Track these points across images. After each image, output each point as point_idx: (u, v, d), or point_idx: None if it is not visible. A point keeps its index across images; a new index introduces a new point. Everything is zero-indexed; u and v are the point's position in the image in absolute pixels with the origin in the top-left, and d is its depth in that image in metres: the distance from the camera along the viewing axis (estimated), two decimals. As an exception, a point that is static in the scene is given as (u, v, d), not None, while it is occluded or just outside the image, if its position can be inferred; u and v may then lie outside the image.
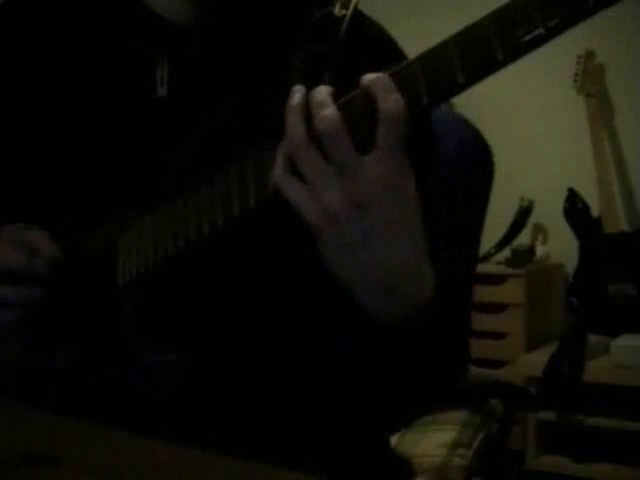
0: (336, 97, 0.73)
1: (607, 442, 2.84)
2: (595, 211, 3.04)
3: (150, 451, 0.71)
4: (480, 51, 0.69)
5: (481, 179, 1.11)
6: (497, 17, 0.68)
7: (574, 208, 3.03)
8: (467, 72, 0.69)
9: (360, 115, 0.72)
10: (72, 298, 0.92)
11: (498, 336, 3.09)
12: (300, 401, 0.92)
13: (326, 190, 0.72)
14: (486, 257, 3.21)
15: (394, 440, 1.31)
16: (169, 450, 0.71)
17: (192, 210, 0.84)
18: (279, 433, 0.90)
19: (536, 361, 2.88)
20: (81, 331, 0.92)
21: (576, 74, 3.17)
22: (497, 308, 3.08)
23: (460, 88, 0.70)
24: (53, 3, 1.00)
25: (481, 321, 2.98)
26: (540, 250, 3.26)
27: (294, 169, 0.73)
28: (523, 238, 3.30)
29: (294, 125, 0.73)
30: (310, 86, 0.75)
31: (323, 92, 0.73)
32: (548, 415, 2.87)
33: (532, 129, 3.33)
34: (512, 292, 3.08)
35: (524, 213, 3.26)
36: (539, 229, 3.37)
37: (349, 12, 0.90)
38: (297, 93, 0.74)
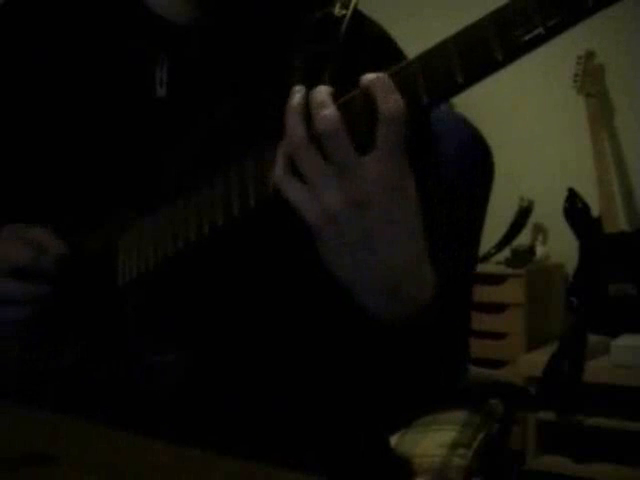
0: (336, 97, 0.73)
1: (607, 442, 2.84)
2: (595, 211, 3.04)
3: (150, 451, 0.71)
4: (479, 51, 0.69)
5: (481, 179, 1.11)
6: (496, 17, 0.68)
7: (574, 208, 3.03)
8: (466, 72, 0.69)
9: (360, 115, 0.72)
10: (76, 296, 0.92)
11: (498, 336, 3.09)
12: (300, 401, 0.92)
13: (326, 190, 0.72)
14: (486, 257, 3.21)
15: (394, 440, 1.31)
16: (169, 450, 0.71)
17: (192, 210, 0.84)
18: (279, 433, 0.90)
19: (536, 361, 2.88)
20: (81, 332, 0.92)
21: (576, 74, 3.17)
22: (497, 308, 3.08)
23: (460, 88, 0.70)
24: (53, 3, 1.00)
25: (481, 321, 2.98)
26: (540, 250, 3.26)
27: (294, 169, 0.73)
28: (523, 238, 3.30)
29: (294, 125, 0.73)
30: (310, 86, 0.75)
31: (323, 92, 0.73)
32: (548, 415, 2.87)
33: (532, 129, 3.33)
34: (512, 292, 3.08)
35: (524, 213, 3.26)
36: (539, 229, 3.37)
37: (349, 12, 0.91)
38: (297, 93, 0.74)
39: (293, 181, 0.74)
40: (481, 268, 3.02)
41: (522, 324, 3.08)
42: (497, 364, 3.02)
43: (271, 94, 0.83)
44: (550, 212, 3.21)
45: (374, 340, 0.81)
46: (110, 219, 0.91)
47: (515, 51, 0.68)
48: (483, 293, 2.98)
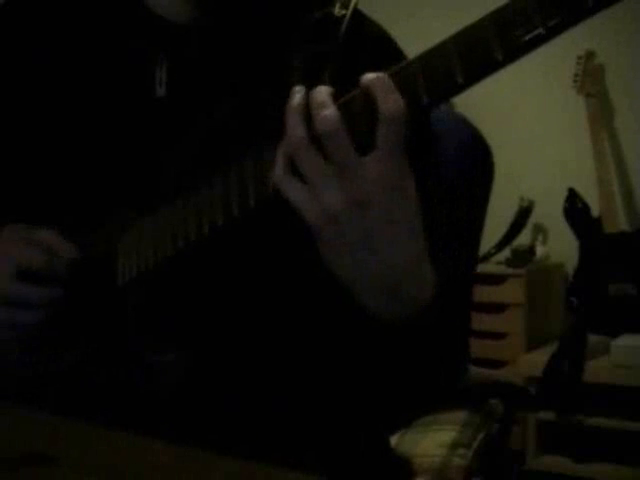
0: (336, 97, 0.73)
1: (607, 442, 2.84)
2: (595, 211, 3.04)
3: (150, 451, 0.71)
4: (479, 51, 0.69)
5: (481, 179, 1.11)
6: (496, 17, 0.68)
7: (574, 208, 3.03)
8: (466, 72, 0.69)
9: (360, 115, 0.72)
10: (82, 298, 0.92)
11: (498, 336, 3.09)
12: (300, 401, 0.92)
13: (326, 190, 0.72)
14: (486, 257, 3.21)
15: (394, 440, 1.31)
16: (169, 450, 0.71)
17: (192, 210, 0.84)
18: (279, 433, 0.90)
19: (536, 361, 2.88)
20: (81, 332, 0.92)
21: (576, 74, 3.17)
22: (497, 308, 3.08)
23: (459, 88, 0.70)
24: (53, 3, 1.00)
25: (481, 321, 2.98)
26: (540, 250, 3.26)
27: (294, 169, 0.73)
28: (523, 238, 3.30)
29: (294, 125, 0.73)
30: (310, 86, 0.74)
31: (323, 92, 0.73)
32: (548, 415, 2.87)
33: (532, 129, 3.33)
34: (512, 292, 3.08)
35: (524, 213, 3.26)
36: (539, 229, 3.37)
37: (349, 12, 0.90)
38: (297, 93, 0.74)
39: (293, 181, 0.74)
40: (481, 268, 3.02)
41: (522, 324, 3.08)
42: (497, 364, 3.02)
43: (271, 94, 0.83)
44: (550, 212, 3.21)
45: (374, 340, 0.81)
46: (110, 219, 0.91)
47: (515, 51, 0.68)
48: (483, 293, 2.98)
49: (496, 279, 3.09)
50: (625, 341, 2.84)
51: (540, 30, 0.66)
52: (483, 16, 0.69)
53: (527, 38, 0.67)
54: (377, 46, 0.94)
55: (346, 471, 0.93)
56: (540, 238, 3.36)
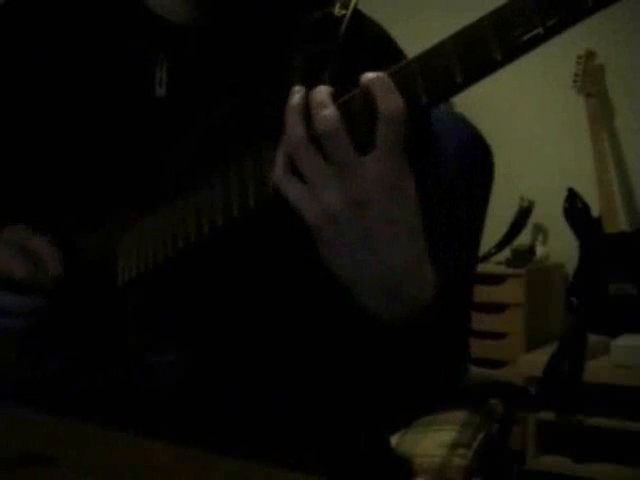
0: (336, 97, 0.73)
1: (607, 442, 2.84)
2: (595, 211, 3.04)
3: (150, 451, 0.71)
4: (478, 51, 0.69)
5: (481, 179, 1.11)
6: (495, 17, 0.68)
7: (574, 208, 3.03)
8: (465, 72, 0.69)
9: (359, 115, 0.72)
10: (72, 304, 0.92)
11: (498, 336, 3.09)
12: (300, 401, 0.92)
13: (326, 190, 0.72)
14: (486, 257, 3.21)
15: (394, 440, 1.31)
16: (169, 450, 0.71)
17: (191, 210, 0.84)
18: (279, 433, 0.90)
19: (536, 361, 2.88)
20: (81, 332, 0.92)
21: (576, 74, 3.17)
22: (497, 308, 3.08)
23: (459, 88, 0.70)
24: (53, 3, 1.00)
25: (481, 321, 2.98)
26: (540, 250, 3.26)
27: (294, 169, 0.73)
28: (523, 238, 3.30)
29: (294, 125, 0.73)
30: (310, 86, 0.74)
31: (323, 92, 0.73)
32: (548, 415, 2.87)
33: (532, 129, 3.33)
34: (512, 292, 3.08)
35: (524, 213, 3.26)
36: (539, 229, 3.37)
37: (349, 12, 0.90)
38: (297, 93, 0.74)
39: (293, 181, 0.74)
40: (481, 268, 3.02)
41: (522, 324, 3.08)
42: (497, 364, 3.02)
43: (270, 94, 0.83)
44: (550, 212, 3.21)
45: (374, 340, 0.81)
46: (110, 219, 0.91)
47: (514, 51, 0.68)
48: (483, 293, 2.98)
49: (496, 279, 3.09)
50: (625, 341, 2.84)
51: (539, 30, 0.66)
52: (482, 16, 0.69)
53: (526, 38, 0.67)
54: (377, 46, 0.94)
55: (346, 471, 0.93)
56: (540, 238, 3.36)
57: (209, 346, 0.90)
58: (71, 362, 0.91)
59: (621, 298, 2.92)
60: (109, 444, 0.73)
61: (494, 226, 2.92)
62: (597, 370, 2.80)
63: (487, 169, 1.11)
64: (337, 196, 0.72)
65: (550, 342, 2.99)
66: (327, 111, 0.71)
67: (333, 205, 0.72)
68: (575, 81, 3.17)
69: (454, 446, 1.35)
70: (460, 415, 1.40)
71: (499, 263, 3.21)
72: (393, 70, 0.72)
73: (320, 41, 0.90)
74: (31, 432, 0.78)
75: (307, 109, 0.73)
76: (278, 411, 0.90)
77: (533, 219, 3.30)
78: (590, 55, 3.17)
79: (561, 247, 3.23)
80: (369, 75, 0.72)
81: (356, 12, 0.91)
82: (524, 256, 3.19)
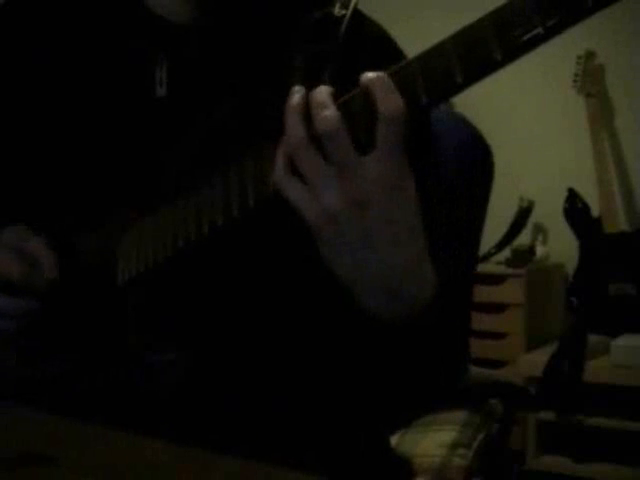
0: (336, 97, 0.73)
1: (607, 442, 2.84)
2: (595, 211, 3.04)
3: (150, 451, 0.71)
4: (478, 51, 0.69)
5: (481, 179, 1.11)
6: (495, 17, 0.68)
7: (574, 208, 3.03)
8: (465, 72, 0.69)
9: (359, 115, 0.72)
10: (72, 304, 0.92)
11: (498, 336, 3.09)
12: (300, 401, 0.92)
13: (326, 190, 0.72)
14: (486, 257, 3.21)
15: (394, 440, 1.31)
16: (169, 450, 0.70)
17: (192, 210, 0.84)
18: (279, 433, 0.90)
19: (536, 361, 2.88)
20: (81, 332, 0.92)
21: (576, 74, 3.17)
22: (497, 308, 3.08)
23: (459, 88, 0.70)
24: (53, 3, 1.00)
25: (481, 321, 2.98)
26: (540, 250, 3.26)
27: (294, 169, 0.73)
28: (523, 238, 3.30)
29: (294, 125, 0.73)
30: (310, 86, 0.75)
31: (323, 92, 0.73)
32: (548, 415, 2.87)
33: (532, 129, 3.33)
34: (512, 292, 3.09)
35: (524, 213, 3.26)
36: (539, 229, 3.37)
37: (349, 12, 0.90)
38: (297, 93, 0.74)
39: (293, 181, 0.74)
40: (481, 268, 3.02)
41: (522, 324, 3.08)
42: (497, 364, 3.02)
43: (271, 94, 0.83)
44: (550, 212, 3.21)
45: (374, 340, 0.81)
46: (110, 219, 0.91)
47: (514, 51, 0.68)
48: (483, 293, 2.98)
49: (496, 279, 3.09)
50: (625, 341, 2.84)
51: (539, 30, 0.67)
52: (482, 16, 0.69)
53: (526, 38, 0.67)
54: (377, 46, 0.94)
55: (346, 471, 0.93)
56: (540, 238, 3.36)
57: (209, 346, 0.90)
58: (71, 362, 0.91)
59: (621, 298, 2.92)
60: (109, 444, 0.73)
61: (494, 226, 2.92)
62: (597, 370, 2.80)
63: (487, 169, 1.11)
64: (337, 196, 0.72)
65: (550, 342, 2.99)
66: (327, 111, 0.71)
67: (333, 205, 0.72)
68: (575, 81, 3.17)
69: (454, 446, 1.35)
70: (460, 415, 1.40)
71: (499, 263, 3.21)
72: (393, 70, 0.72)
73: (320, 41, 0.90)
74: (31, 432, 0.78)
75: (307, 109, 0.73)
76: (278, 411, 0.90)
77: (533, 219, 3.30)
78: (590, 55, 3.17)
79: (561, 247, 3.23)
80: (369, 75, 0.72)
81: (356, 12, 0.91)
82: (524, 256, 3.19)
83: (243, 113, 0.90)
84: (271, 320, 0.89)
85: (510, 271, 3.12)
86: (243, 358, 0.90)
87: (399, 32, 1.03)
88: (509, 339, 3.10)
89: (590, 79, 3.16)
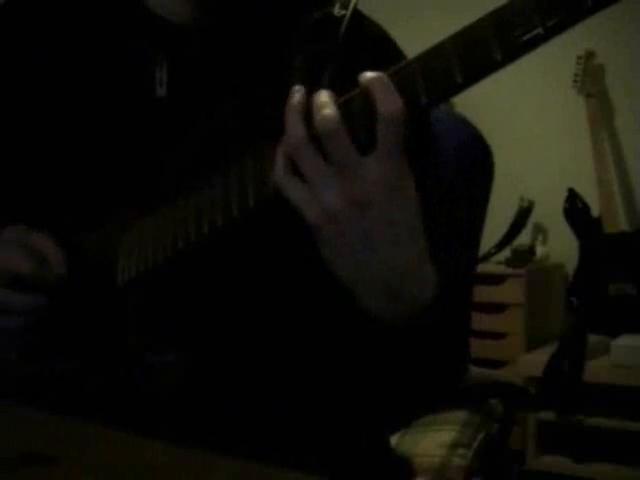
0: (336, 97, 0.73)
1: (607, 442, 2.84)
2: (595, 211, 3.04)
3: (150, 451, 0.71)
4: (478, 51, 0.69)
5: (481, 179, 1.11)
6: (495, 17, 0.68)
7: (574, 208, 3.03)
8: (465, 72, 0.69)
9: (359, 115, 0.72)
10: (74, 303, 0.92)
11: (498, 336, 3.09)
12: (300, 401, 0.92)
13: (326, 190, 0.72)
14: (486, 257, 3.21)
15: (394, 440, 1.31)
16: (169, 450, 0.70)
17: (192, 210, 0.84)
18: (279, 433, 0.90)
19: (536, 361, 2.88)
20: (81, 332, 0.92)
21: (576, 74, 3.17)
22: (497, 308, 3.08)
23: (459, 88, 0.70)
24: (53, 3, 1.00)
25: (481, 321, 2.98)
26: (540, 250, 3.26)
27: (294, 169, 0.73)
28: (523, 238, 3.30)
29: (294, 125, 0.73)
30: (310, 86, 0.75)
31: (323, 92, 0.73)
32: (548, 415, 2.87)
33: (532, 129, 3.33)
34: (512, 292, 3.09)
35: (524, 213, 3.26)
36: (539, 229, 3.37)
37: (348, 12, 0.91)
38: (297, 93, 0.74)
39: (293, 181, 0.74)
40: (481, 268, 3.02)
41: (522, 324, 3.08)
42: (497, 364, 3.02)
43: (271, 94, 0.83)
44: (550, 212, 3.21)
45: (375, 340, 0.81)
46: (111, 219, 0.91)
47: (514, 51, 0.68)
48: (483, 293, 2.98)
49: (496, 279, 3.09)
50: (625, 341, 2.84)
51: (539, 30, 0.67)
52: (482, 16, 0.69)
53: (526, 38, 0.67)
54: (377, 46, 0.94)
55: (346, 471, 0.93)
56: (540, 238, 3.36)
57: (209, 346, 0.90)
58: (72, 362, 0.91)
59: (621, 298, 2.92)
60: (110, 444, 0.73)
61: (494, 226, 2.92)
62: (597, 370, 2.80)
63: (487, 169, 1.11)
64: (337, 196, 0.72)
65: (550, 342, 2.99)
66: (327, 111, 0.71)
67: (333, 205, 0.72)
68: (575, 81, 3.17)
69: (454, 446, 1.35)
70: (460, 415, 1.40)
71: (499, 263, 3.21)
72: (393, 70, 0.72)
73: (320, 41, 0.90)
74: (32, 432, 0.78)
75: (307, 109, 0.73)
76: (278, 411, 0.90)
77: (533, 219, 3.30)
78: (590, 55, 3.17)
79: (561, 247, 3.23)
80: (368, 75, 0.72)
81: (356, 12, 0.91)
82: (524, 256, 3.19)
83: (243, 113, 0.90)
84: (271, 321, 0.89)
85: (510, 271, 3.12)
86: (243, 359, 0.90)
87: (399, 32, 1.03)
88: (509, 339, 3.10)
89: (590, 79, 3.16)
